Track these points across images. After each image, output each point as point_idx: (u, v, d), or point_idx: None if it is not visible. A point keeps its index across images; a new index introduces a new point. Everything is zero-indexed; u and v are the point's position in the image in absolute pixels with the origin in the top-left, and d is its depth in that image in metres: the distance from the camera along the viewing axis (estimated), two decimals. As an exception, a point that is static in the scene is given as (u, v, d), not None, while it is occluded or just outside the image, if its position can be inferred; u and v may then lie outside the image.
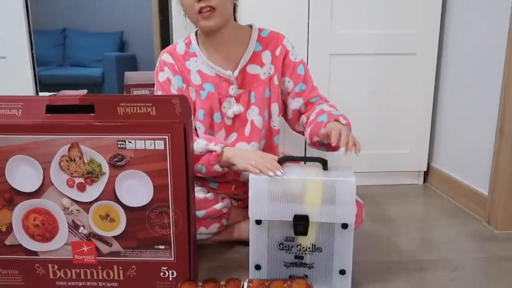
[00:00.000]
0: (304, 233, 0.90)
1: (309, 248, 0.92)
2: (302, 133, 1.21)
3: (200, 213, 1.06)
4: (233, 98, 1.14)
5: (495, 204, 1.27)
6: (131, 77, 2.27)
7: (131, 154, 0.87)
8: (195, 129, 1.16)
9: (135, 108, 0.84)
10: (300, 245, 0.92)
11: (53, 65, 3.81)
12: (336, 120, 1.04)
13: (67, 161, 0.86)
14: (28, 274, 0.93)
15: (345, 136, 0.94)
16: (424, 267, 1.04)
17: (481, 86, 1.38)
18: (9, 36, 1.57)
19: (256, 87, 1.14)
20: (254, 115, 1.14)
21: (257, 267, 0.94)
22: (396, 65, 1.61)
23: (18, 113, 0.86)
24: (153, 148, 0.86)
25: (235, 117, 1.15)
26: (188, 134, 0.87)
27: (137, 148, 0.86)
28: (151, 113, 0.85)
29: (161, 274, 0.92)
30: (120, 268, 0.93)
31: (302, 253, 0.92)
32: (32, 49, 1.59)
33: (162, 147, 0.86)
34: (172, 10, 1.51)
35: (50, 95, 0.88)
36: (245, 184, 1.16)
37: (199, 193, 1.10)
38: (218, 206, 1.09)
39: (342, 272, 0.92)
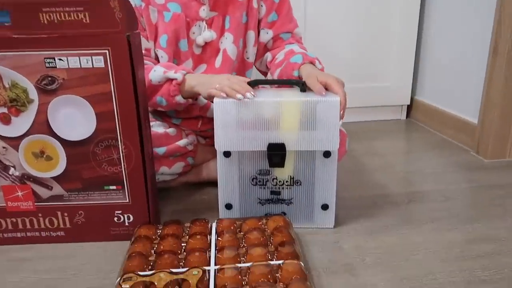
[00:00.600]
0: (281, 164, 0.77)
1: (286, 181, 0.80)
2: (264, 73, 1.06)
3: (160, 150, 0.91)
4: (204, 22, 0.96)
5: (485, 133, 1.18)
6: None
7: (64, 75, 0.70)
8: (157, 58, 0.98)
9: (62, 14, 0.66)
10: (276, 178, 0.80)
11: None
12: (312, 63, 0.89)
13: (-21, 84, 0.69)
14: None
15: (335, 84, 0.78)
16: (412, 200, 0.95)
17: (472, 5, 1.24)
18: None
19: (232, 10, 0.96)
20: (228, 44, 0.97)
21: (228, 206, 0.82)
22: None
23: None
24: (91, 66, 0.70)
25: (206, 45, 0.97)
26: (135, 48, 0.71)
27: (70, 67, 0.69)
28: (84, 20, 0.67)
29: (115, 219, 0.79)
30: (65, 214, 0.79)
31: (279, 188, 0.80)
32: None
33: (102, 64, 0.69)
34: None
35: None
36: (212, 120, 1.02)
37: (159, 128, 0.95)
38: (182, 142, 0.95)
39: (325, 207, 0.81)
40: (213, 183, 1.02)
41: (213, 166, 1.01)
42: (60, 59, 0.69)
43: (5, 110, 0.71)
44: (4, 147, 0.73)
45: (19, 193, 0.77)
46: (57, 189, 0.77)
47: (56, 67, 0.69)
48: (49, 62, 0.69)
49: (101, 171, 0.76)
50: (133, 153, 0.75)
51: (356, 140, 1.36)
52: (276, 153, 0.76)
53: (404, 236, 0.80)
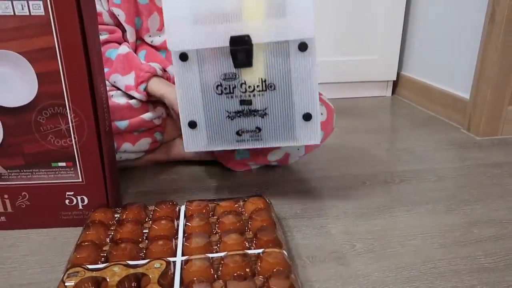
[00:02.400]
0: (248, 63, 0.63)
1: (257, 86, 0.65)
2: None
3: (121, 124, 0.79)
4: None
5: (478, 109, 1.11)
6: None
7: (-8, 23, 0.56)
8: (114, 19, 0.85)
9: None
10: (245, 83, 0.65)
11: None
12: None
13: None
14: None
15: None
16: (403, 179, 0.87)
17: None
18: None
19: None
20: None
21: (191, 124, 0.68)
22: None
23: None
24: (27, 13, 0.56)
25: None
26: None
27: (0, 14, 0.56)
28: (14, -48, 0.53)
29: (67, 201, 0.67)
30: (6, 196, 0.66)
31: (250, 95, 0.66)
32: None
33: (42, 11, 0.56)
34: None
35: None
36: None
37: (120, 98, 0.82)
38: (148, 116, 0.83)
39: (307, 116, 0.66)
40: (186, 162, 0.92)
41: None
42: (-13, 4, 0.55)
43: None
44: None
45: None
46: (-7, 166, 0.64)
47: (-18, 13, 0.55)
48: (-27, 7, 0.55)
49: (47, 144, 0.63)
50: (85, 123, 0.63)
51: (341, 117, 1.27)
52: (240, 49, 0.62)
53: (398, 219, 0.71)
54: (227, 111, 0.67)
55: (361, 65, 1.47)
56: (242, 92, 0.65)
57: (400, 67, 1.51)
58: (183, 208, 0.66)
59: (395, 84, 1.54)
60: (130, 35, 0.88)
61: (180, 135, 0.92)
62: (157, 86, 0.81)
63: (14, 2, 0.55)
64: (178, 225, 0.61)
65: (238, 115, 0.67)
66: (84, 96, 0.61)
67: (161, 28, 0.89)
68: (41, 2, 0.56)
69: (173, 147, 0.91)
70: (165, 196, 0.79)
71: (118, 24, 0.88)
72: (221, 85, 0.65)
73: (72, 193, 0.67)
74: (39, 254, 0.62)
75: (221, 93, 0.66)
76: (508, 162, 0.95)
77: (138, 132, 0.82)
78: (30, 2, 0.56)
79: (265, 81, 0.65)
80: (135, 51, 0.90)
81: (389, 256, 0.62)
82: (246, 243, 0.56)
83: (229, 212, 0.62)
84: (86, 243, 0.55)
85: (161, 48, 0.89)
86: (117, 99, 0.81)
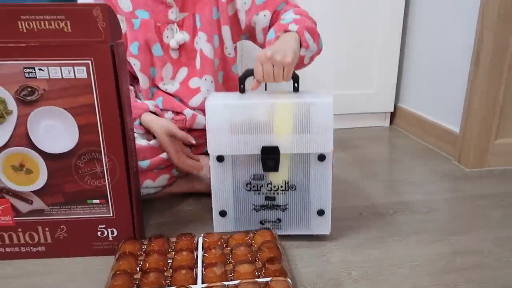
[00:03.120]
0: (275, 168, 0.76)
1: (281, 186, 0.78)
2: None
3: (144, 163, 0.89)
4: (175, 25, 0.94)
5: (467, 142, 1.20)
6: None
7: (44, 85, 0.67)
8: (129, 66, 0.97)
9: (42, 22, 0.64)
10: (271, 183, 0.78)
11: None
12: (286, 31, 0.83)
13: (-46, 95, 0.66)
14: None
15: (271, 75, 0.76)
16: (397, 210, 0.96)
17: (454, 15, 1.26)
18: None
19: (200, 8, 0.94)
20: (203, 43, 0.96)
21: (222, 213, 0.80)
22: (364, 2, 1.45)
23: None
24: (73, 77, 0.67)
25: (181, 48, 0.96)
26: (119, 58, 0.69)
27: (51, 77, 0.67)
28: (65, 29, 0.65)
29: (99, 233, 0.77)
30: (46, 229, 0.76)
31: (274, 193, 0.79)
32: None
33: (85, 75, 0.67)
34: None
35: None
36: (198, 130, 1.01)
37: (142, 140, 0.93)
38: (165, 155, 0.93)
39: (321, 212, 0.79)
40: (198, 194, 1.01)
41: (198, 176, 0.99)
42: (40, 69, 0.66)
43: (-18, 122, 0.68)
44: (-20, 160, 0.70)
45: None
46: (38, 203, 0.74)
47: (36, 77, 0.67)
48: (28, 72, 0.66)
49: (84, 185, 0.74)
50: (117, 166, 0.73)
51: (341, 147, 1.37)
52: (270, 157, 0.75)
53: (390, 249, 0.80)
54: (254, 205, 0.80)
55: (360, 98, 1.57)
56: (268, 190, 0.78)
57: (397, 100, 1.62)
58: (200, 239, 0.75)
59: (393, 115, 1.64)
60: (143, 83, 0.98)
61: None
62: (149, 120, 0.91)
63: (62, 68, 0.67)
64: (197, 256, 0.70)
65: (263, 208, 0.80)
66: (117, 144, 0.72)
67: (173, 77, 0.99)
68: (84, 68, 0.67)
69: (188, 181, 1.01)
70: (182, 226, 0.88)
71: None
72: (250, 183, 0.78)
73: (103, 226, 0.77)
74: (76, 280, 0.71)
75: (250, 190, 0.79)
76: (493, 193, 1.04)
77: (157, 170, 0.92)
78: (76, 68, 0.67)
79: (287, 182, 0.78)
80: (152, 97, 1.00)
81: (381, 283, 0.70)
82: (256, 272, 0.65)
83: (241, 243, 0.72)
84: (120, 272, 0.65)
85: (175, 95, 1.00)
86: (139, 141, 0.92)
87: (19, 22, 0.63)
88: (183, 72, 0.99)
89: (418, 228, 0.88)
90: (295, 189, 0.78)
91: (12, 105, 0.68)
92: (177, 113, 1.00)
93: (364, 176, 1.16)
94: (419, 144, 1.42)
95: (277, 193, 0.79)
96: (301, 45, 0.82)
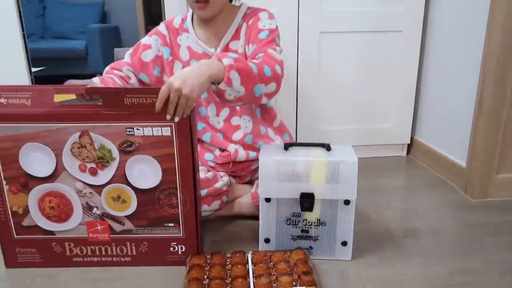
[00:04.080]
0: (310, 209, 0.99)
1: (314, 222, 1.01)
2: None
3: (202, 192, 1.13)
4: None
5: (472, 175, 1.39)
6: (120, 53, 2.26)
7: (140, 140, 0.92)
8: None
9: (140, 99, 0.89)
10: (306, 220, 1.01)
11: (34, 37, 3.71)
12: (219, 59, 0.92)
13: (78, 147, 0.92)
14: (45, 251, 1.00)
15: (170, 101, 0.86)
16: (407, 235, 1.15)
17: (462, 63, 1.46)
18: None
19: None
20: None
21: (267, 240, 1.03)
22: (383, 42, 1.66)
23: (28, 103, 0.90)
24: (160, 134, 0.92)
25: None
26: (193, 122, 0.93)
27: (145, 134, 0.92)
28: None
29: (171, 248, 1.01)
30: (133, 244, 1.00)
31: (308, 227, 1.01)
32: (22, 24, 1.55)
33: (169, 133, 0.92)
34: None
35: (56, 86, 0.91)
36: (241, 163, 1.24)
37: (201, 173, 1.17)
38: (218, 184, 1.17)
39: (344, 243, 1.02)
40: (242, 216, 1.24)
41: (243, 202, 1.23)
42: (137, 129, 0.91)
43: (93, 165, 0.94)
44: (90, 192, 0.96)
45: (99, 227, 0.99)
46: (128, 225, 0.99)
47: (134, 134, 0.92)
48: (129, 131, 0.92)
49: (163, 212, 0.98)
50: (188, 199, 0.97)
51: (360, 175, 1.56)
52: (306, 201, 0.98)
53: (398, 268, 1.00)
54: (291, 235, 1.03)
55: (379, 131, 1.77)
56: (303, 225, 1.02)
57: (414, 132, 1.81)
58: (249, 256, 0.98)
59: (410, 146, 1.83)
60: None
61: (239, 196, 1.25)
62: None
63: (153, 128, 0.92)
64: (248, 268, 0.93)
65: (299, 238, 1.02)
66: (189, 183, 0.96)
67: (218, 115, 1.23)
68: (169, 128, 0.92)
69: (235, 206, 1.24)
70: (231, 244, 1.11)
71: None
72: (290, 219, 1.02)
73: (175, 243, 1.01)
74: (156, 284, 0.95)
75: (289, 224, 1.02)
76: (492, 222, 1.22)
77: (212, 197, 1.16)
78: (163, 128, 0.92)
79: (319, 219, 1.01)
80: (201, 130, 1.23)
81: (389, 294, 0.91)
82: (294, 282, 0.87)
83: (281, 260, 0.94)
84: (193, 279, 0.88)
85: (220, 131, 1.23)
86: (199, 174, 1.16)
87: (124, 99, 0.89)
88: (225, 111, 1.23)
89: (423, 250, 1.08)
90: (325, 225, 1.01)
91: (115, 153, 0.93)
92: (222, 150, 1.24)
93: (380, 203, 1.36)
94: (432, 175, 1.61)
95: (311, 227, 1.01)
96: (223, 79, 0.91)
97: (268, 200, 0.99)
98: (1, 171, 0.93)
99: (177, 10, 1.53)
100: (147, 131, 0.92)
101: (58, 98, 0.89)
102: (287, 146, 1.02)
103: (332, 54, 1.65)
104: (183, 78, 0.86)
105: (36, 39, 3.71)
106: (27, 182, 0.95)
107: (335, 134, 1.74)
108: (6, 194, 0.95)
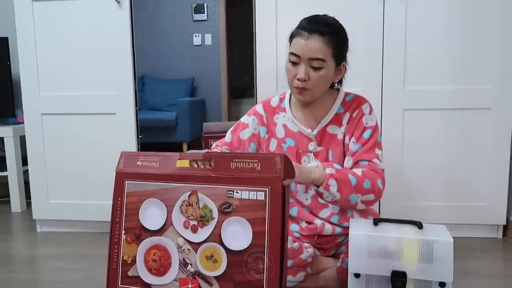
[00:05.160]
0: None
1: None
2: None
3: (288, 262, 1.14)
4: (312, 154, 1.24)
5: None
6: (209, 127, 2.47)
7: (237, 202, 0.99)
8: None
9: (245, 163, 0.98)
10: None
11: (133, 109, 4.19)
12: (324, 167, 1.12)
13: (186, 205, 1.01)
14: None
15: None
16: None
17: None
18: (118, 95, 1.80)
19: (333, 146, 1.23)
20: None
21: None
22: (470, 119, 1.64)
23: (156, 165, 1.05)
24: (255, 198, 0.98)
25: None
26: (287, 189, 0.98)
27: (242, 197, 0.99)
28: (257, 168, 0.98)
29: (253, 316, 1.00)
30: (220, 306, 1.02)
31: None
32: (136, 105, 1.81)
33: (263, 197, 0.98)
34: (257, 71, 1.70)
35: (180, 153, 1.07)
36: (326, 236, 1.24)
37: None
38: (304, 255, 1.17)
39: None
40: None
41: (328, 276, 1.21)
42: (237, 192, 0.99)
43: (195, 223, 1.01)
44: (188, 249, 1.02)
45: (190, 286, 1.03)
46: (215, 286, 1.01)
47: (233, 197, 0.99)
48: (229, 193, 0.99)
49: (248, 276, 0.99)
50: (274, 265, 0.98)
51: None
52: (398, 279, 0.94)
53: None
54: None
55: (471, 209, 1.67)
56: None
57: (510, 213, 1.67)
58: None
59: (506, 227, 1.68)
60: None
61: (323, 269, 1.23)
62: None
63: (250, 192, 0.98)
64: None
65: None
66: (276, 248, 0.98)
67: (306, 191, 1.26)
68: (263, 193, 0.98)
69: (320, 279, 1.22)
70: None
71: None
72: None
73: (258, 312, 1.00)
74: None
75: None
76: None
77: (297, 267, 1.16)
78: (258, 193, 0.98)
79: None
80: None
81: None
82: None
83: None
84: None
85: (307, 207, 1.26)
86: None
87: (231, 163, 0.98)
88: (312, 190, 1.25)
89: None
90: None
91: (215, 213, 1.00)
92: (309, 223, 1.25)
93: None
94: (534, 262, 1.45)
95: None
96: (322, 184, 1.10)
97: (357, 275, 0.98)
98: (124, 222, 1.05)
99: (267, 87, 1.68)
100: (245, 194, 0.99)
101: (180, 163, 1.04)
102: (376, 222, 1.01)
103: (416, 131, 1.66)
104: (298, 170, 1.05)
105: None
106: (140, 233, 1.05)
107: (420, 210, 1.67)
108: (121, 243, 1.05)
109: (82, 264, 1.43)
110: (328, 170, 1.12)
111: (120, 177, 1.07)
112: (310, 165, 1.22)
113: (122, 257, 1.05)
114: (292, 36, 1.18)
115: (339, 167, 1.16)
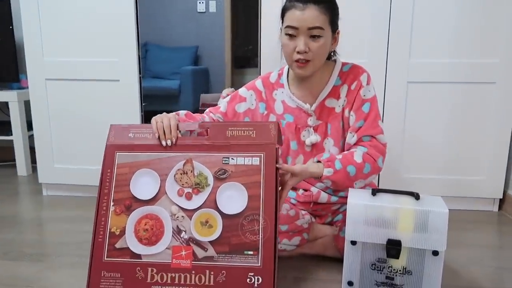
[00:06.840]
0: (396, 256, 0.96)
1: (400, 270, 0.98)
2: None
3: (283, 227, 1.16)
4: (311, 128, 1.22)
5: None
6: (205, 98, 2.45)
7: (233, 168, 0.99)
8: None
9: (240, 131, 0.98)
10: (392, 267, 0.98)
11: (137, 77, 4.16)
12: (327, 167, 1.10)
13: (181, 174, 1.02)
14: (128, 276, 1.01)
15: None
16: (499, 296, 1.05)
17: None
18: (121, 61, 1.77)
19: (332, 119, 1.21)
20: (330, 146, 1.21)
21: (350, 283, 1.02)
22: (474, 93, 1.61)
23: (149, 136, 1.06)
24: (251, 164, 0.99)
25: (313, 145, 1.23)
26: (277, 156, 0.99)
27: (237, 163, 0.99)
28: (252, 135, 0.98)
29: (248, 280, 1.00)
30: (212, 273, 1.00)
31: (393, 275, 0.99)
32: (140, 72, 1.79)
33: (258, 163, 0.98)
34: (262, 41, 1.66)
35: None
36: (322, 204, 1.25)
37: (283, 210, 1.20)
38: (299, 222, 1.19)
39: None
40: (324, 257, 1.23)
41: (326, 244, 1.23)
42: (232, 158, 0.99)
43: (190, 190, 1.02)
44: (182, 216, 1.03)
45: (183, 253, 1.02)
46: (211, 251, 1.02)
47: (228, 163, 0.99)
48: (225, 160, 1.00)
49: (244, 238, 1.01)
50: (269, 226, 0.99)
51: (449, 228, 1.47)
52: (393, 247, 0.96)
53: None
54: (376, 281, 1.01)
55: (470, 183, 1.66)
56: (388, 272, 1.00)
57: (507, 186, 1.67)
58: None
59: (502, 201, 1.69)
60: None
61: (321, 236, 1.25)
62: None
63: (245, 158, 0.99)
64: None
65: (383, 285, 1.00)
66: (271, 210, 0.98)
67: (305, 162, 1.24)
68: (258, 158, 0.98)
69: (316, 245, 1.24)
70: (313, 283, 1.10)
71: None
72: (375, 264, 1.00)
73: (252, 274, 1.01)
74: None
75: (374, 269, 1.01)
76: None
77: (293, 232, 1.18)
78: (253, 158, 0.98)
79: (405, 268, 0.98)
80: None
81: None
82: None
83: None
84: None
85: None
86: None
87: (227, 131, 0.98)
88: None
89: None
90: (411, 274, 0.97)
91: (210, 180, 1.01)
92: (305, 190, 1.26)
93: (468, 260, 1.26)
94: (529, 234, 1.46)
95: (396, 275, 0.98)
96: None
97: (354, 243, 0.99)
98: (113, 194, 1.05)
99: (272, 57, 1.65)
100: (240, 160, 0.99)
101: None
102: (374, 192, 1.02)
103: (419, 104, 1.63)
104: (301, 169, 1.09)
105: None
106: (131, 204, 1.04)
107: (420, 183, 1.67)
108: (109, 215, 1.04)
109: (86, 227, 1.45)
110: (326, 172, 1.10)
111: (111, 149, 1.06)
112: (311, 139, 1.21)
113: (110, 229, 1.03)
114: (284, 10, 1.14)
115: (339, 165, 1.11)
